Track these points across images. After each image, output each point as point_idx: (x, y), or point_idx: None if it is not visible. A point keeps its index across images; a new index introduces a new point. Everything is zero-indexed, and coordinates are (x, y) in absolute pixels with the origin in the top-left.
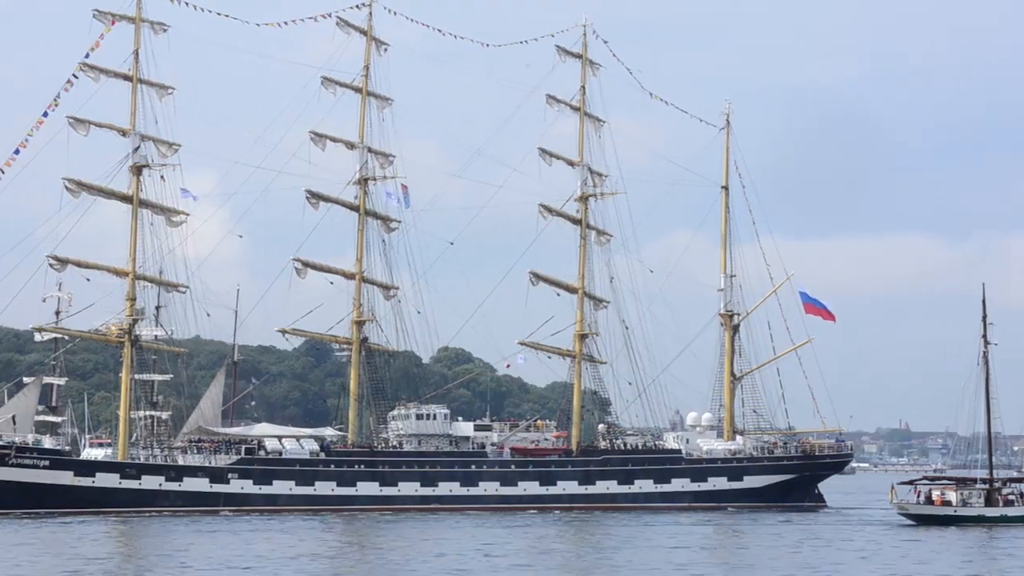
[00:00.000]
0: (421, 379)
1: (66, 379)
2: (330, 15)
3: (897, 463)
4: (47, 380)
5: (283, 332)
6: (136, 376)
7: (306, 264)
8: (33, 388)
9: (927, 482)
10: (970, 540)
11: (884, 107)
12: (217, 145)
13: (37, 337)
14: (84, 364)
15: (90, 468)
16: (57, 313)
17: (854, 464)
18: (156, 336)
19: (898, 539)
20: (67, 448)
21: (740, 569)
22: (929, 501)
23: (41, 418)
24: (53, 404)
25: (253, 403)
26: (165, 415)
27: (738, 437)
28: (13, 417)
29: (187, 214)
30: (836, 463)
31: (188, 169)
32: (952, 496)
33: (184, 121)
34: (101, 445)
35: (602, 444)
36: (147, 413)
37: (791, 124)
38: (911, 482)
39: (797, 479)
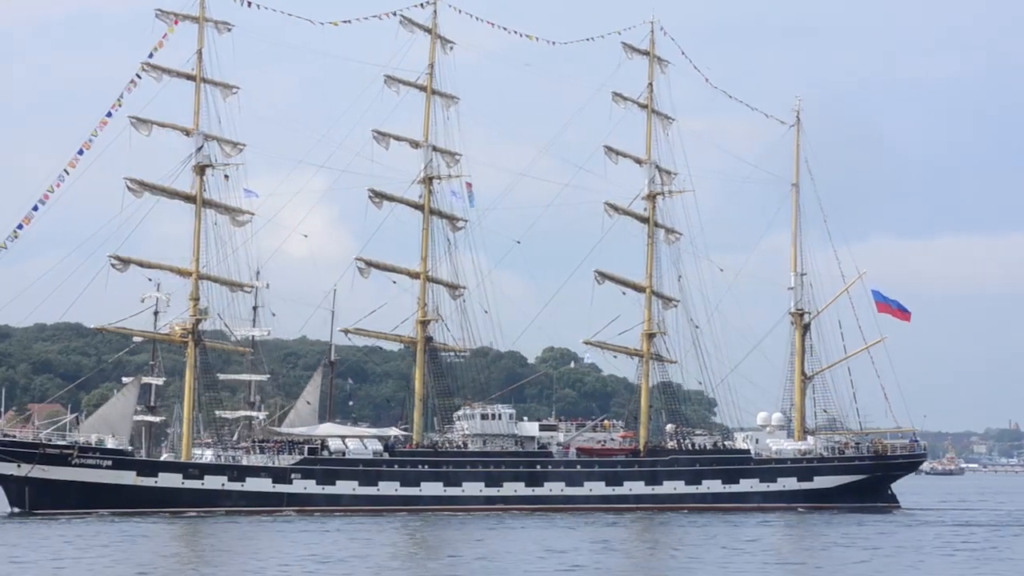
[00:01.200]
0: (524, 378)
1: (164, 379)
2: (394, 13)
3: (1007, 463)
4: (146, 380)
5: (345, 332)
6: (232, 376)
7: (369, 264)
8: (131, 388)
9: None
10: None
11: (968, 104)
12: (281, 144)
13: (136, 338)
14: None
15: (152, 468)
16: (156, 313)
17: (963, 465)
18: (253, 336)
19: None
20: (129, 448)
21: None
22: None
23: (140, 418)
24: (152, 404)
25: (351, 403)
26: (262, 415)
27: (809, 437)
28: (77, 417)
29: (252, 214)
30: (909, 463)
31: (252, 168)
32: None
33: (248, 120)
34: (203, 445)
35: (670, 444)
36: (244, 413)
37: (869, 122)
38: None
39: (869, 479)
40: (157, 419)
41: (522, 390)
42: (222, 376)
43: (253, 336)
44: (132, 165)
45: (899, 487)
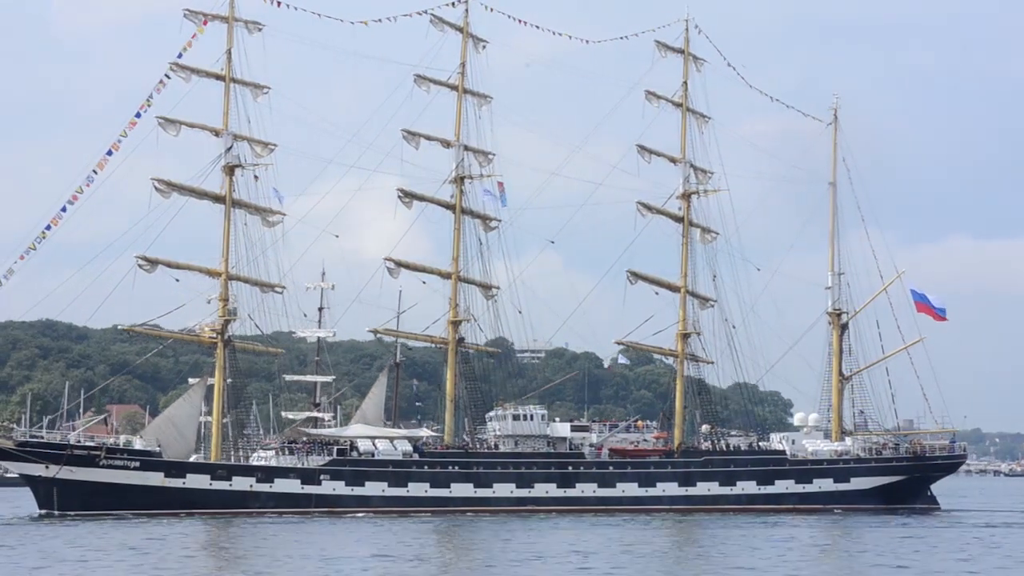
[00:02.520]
0: (603, 380)
1: (231, 380)
2: (424, 12)
3: None
4: (212, 381)
5: (375, 332)
6: (297, 377)
7: (399, 264)
8: (197, 390)
9: None
10: None
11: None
12: (312, 144)
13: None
14: (268, 365)
15: (180, 469)
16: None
17: None
18: (319, 338)
19: None
20: (157, 449)
21: None
22: None
23: (205, 419)
24: None
25: (419, 404)
26: (328, 416)
27: (847, 438)
28: (105, 418)
29: (284, 214)
30: (948, 464)
31: (283, 168)
32: None
33: (279, 120)
34: (267, 448)
35: (704, 445)
36: (310, 414)
37: (912, 116)
38: None
39: (907, 480)
40: (223, 420)
41: (598, 391)
42: (289, 377)
43: (320, 337)
44: (164, 166)
45: (970, 489)
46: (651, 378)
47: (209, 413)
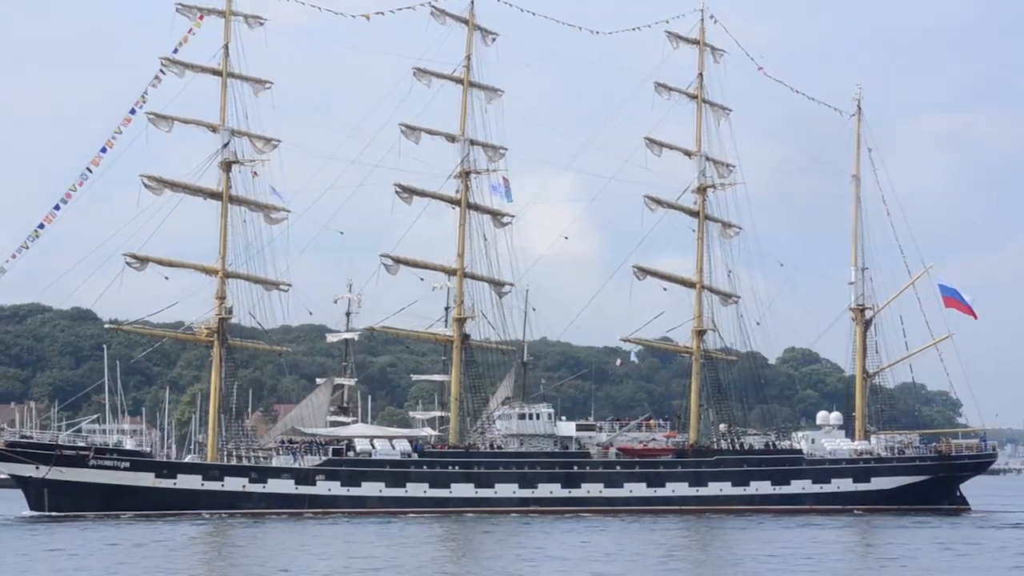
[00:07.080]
0: (767, 380)
1: (356, 380)
2: (425, 4)
3: None
4: (338, 381)
5: (371, 329)
6: (424, 377)
7: (397, 260)
8: (324, 389)
9: None
10: None
11: None
12: (313, 140)
13: (330, 339)
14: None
15: (172, 470)
16: (348, 314)
17: None
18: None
19: None
20: (148, 449)
21: None
22: None
23: (333, 418)
24: (344, 405)
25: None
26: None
27: (871, 437)
28: (99, 418)
29: (288, 210)
30: (976, 464)
31: (286, 164)
32: None
33: (281, 116)
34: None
35: (721, 444)
36: (439, 414)
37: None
38: None
39: (932, 480)
40: (349, 420)
41: (760, 390)
42: (416, 377)
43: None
44: (162, 163)
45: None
46: (817, 378)
47: (336, 412)
